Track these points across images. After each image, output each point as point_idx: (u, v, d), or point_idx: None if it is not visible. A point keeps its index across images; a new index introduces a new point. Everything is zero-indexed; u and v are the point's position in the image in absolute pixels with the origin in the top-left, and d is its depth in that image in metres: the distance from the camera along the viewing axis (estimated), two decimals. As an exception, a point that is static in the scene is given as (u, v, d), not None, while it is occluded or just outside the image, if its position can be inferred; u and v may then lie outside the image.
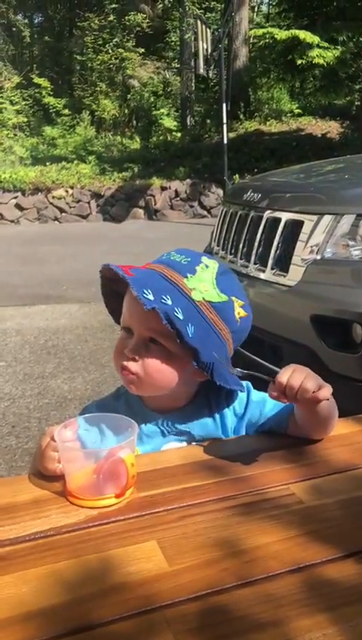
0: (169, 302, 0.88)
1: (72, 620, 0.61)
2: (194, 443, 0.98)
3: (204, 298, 0.92)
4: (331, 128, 13.20)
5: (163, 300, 0.88)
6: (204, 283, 0.92)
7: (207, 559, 0.69)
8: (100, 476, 0.81)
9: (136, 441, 0.87)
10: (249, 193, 2.88)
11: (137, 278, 0.89)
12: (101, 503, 0.81)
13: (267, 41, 11.65)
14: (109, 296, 1.01)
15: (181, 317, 0.88)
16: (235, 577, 0.66)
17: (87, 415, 0.93)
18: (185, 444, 0.99)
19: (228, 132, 10.20)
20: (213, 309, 0.92)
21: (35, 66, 19.46)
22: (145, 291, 0.87)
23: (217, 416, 0.99)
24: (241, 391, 0.97)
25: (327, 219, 2.34)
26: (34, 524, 0.76)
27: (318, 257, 2.34)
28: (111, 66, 16.01)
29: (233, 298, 0.95)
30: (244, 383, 1.01)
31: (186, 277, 0.92)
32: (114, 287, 0.97)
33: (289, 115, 14.28)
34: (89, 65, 16.57)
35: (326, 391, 0.87)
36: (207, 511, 0.79)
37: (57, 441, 0.83)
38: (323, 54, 10.95)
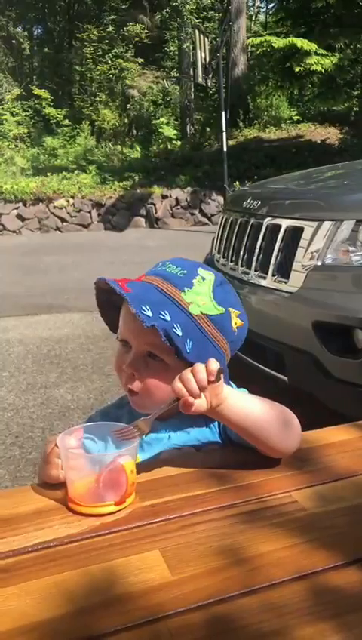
0: (167, 317, 0.88)
1: (75, 631, 0.61)
2: (192, 450, 0.99)
3: (201, 312, 0.92)
4: (330, 134, 13.25)
5: (161, 316, 0.88)
6: (201, 296, 0.92)
7: (209, 568, 0.69)
8: (100, 483, 0.81)
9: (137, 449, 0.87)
10: (249, 200, 2.89)
11: (134, 295, 0.89)
12: (101, 510, 0.81)
13: (265, 49, 11.73)
14: (105, 306, 1.01)
15: (180, 333, 0.88)
16: (238, 586, 0.65)
17: (90, 423, 0.93)
18: (183, 451, 0.99)
19: (227, 140, 10.25)
20: (211, 322, 0.93)
21: (35, 77, 19.64)
22: (143, 307, 0.87)
23: (215, 423, 1.00)
24: None
25: (327, 225, 2.34)
26: (36, 534, 0.77)
27: (319, 263, 2.34)
28: (111, 76, 16.13)
29: (230, 309, 0.95)
30: (241, 389, 1.02)
31: (183, 291, 0.92)
32: (110, 298, 0.97)
33: (288, 121, 14.35)
34: (88, 75, 16.71)
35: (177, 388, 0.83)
36: (209, 519, 0.79)
37: (60, 448, 0.84)
38: (321, 61, 11.02)
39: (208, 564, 0.70)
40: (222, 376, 0.84)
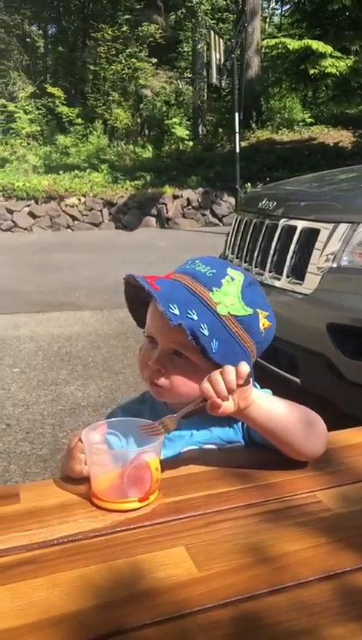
0: (195, 317, 0.88)
1: (103, 625, 0.61)
2: (214, 448, 0.99)
3: (229, 312, 0.91)
4: (343, 137, 13.21)
5: (189, 315, 0.88)
6: (229, 296, 0.92)
7: (236, 565, 0.69)
8: (125, 479, 0.81)
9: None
10: (264, 201, 2.89)
11: (163, 292, 0.88)
12: (124, 506, 0.81)
13: (279, 50, 11.70)
14: (133, 301, 1.01)
15: (206, 333, 0.88)
16: (266, 584, 0.65)
17: (114, 419, 0.93)
18: (205, 448, 0.99)
19: (240, 141, 10.24)
20: (239, 322, 0.92)
21: (48, 75, 19.72)
22: (171, 306, 0.87)
23: (238, 423, 0.99)
24: None
25: (343, 227, 2.33)
26: (61, 528, 0.77)
27: (334, 265, 2.33)
28: (124, 75, 16.17)
29: (258, 310, 0.95)
30: (264, 391, 1.01)
31: (212, 290, 0.92)
32: (138, 294, 0.97)
33: (301, 124, 14.32)
34: (102, 75, 16.76)
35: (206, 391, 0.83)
36: (233, 517, 0.79)
37: (84, 443, 0.84)
38: (335, 64, 10.97)
39: (234, 561, 0.69)
40: (251, 379, 0.84)
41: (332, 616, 0.60)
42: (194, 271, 0.95)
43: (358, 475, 0.88)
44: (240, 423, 0.99)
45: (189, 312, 0.88)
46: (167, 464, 0.91)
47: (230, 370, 0.83)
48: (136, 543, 0.74)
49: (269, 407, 0.89)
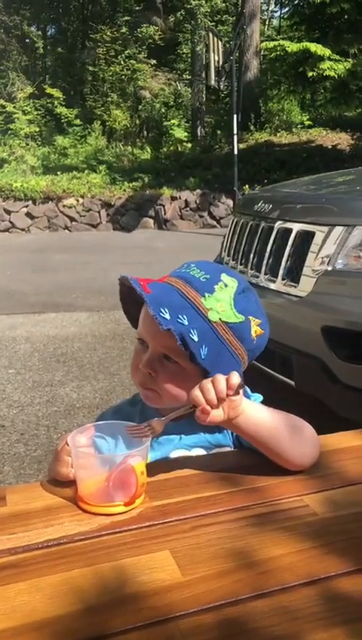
0: (185, 322, 0.88)
1: (86, 629, 0.61)
2: (203, 451, 0.98)
3: (220, 319, 0.91)
4: (341, 140, 13.22)
5: (179, 320, 0.87)
6: (221, 303, 0.92)
7: (220, 570, 0.69)
8: (110, 483, 0.81)
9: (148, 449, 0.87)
10: (260, 204, 2.89)
11: (154, 296, 0.88)
12: (110, 510, 0.81)
13: (278, 53, 11.73)
14: (128, 302, 1.01)
15: (196, 339, 0.87)
16: (250, 589, 0.65)
17: (102, 422, 0.93)
18: (194, 451, 0.99)
19: (238, 143, 10.24)
20: (230, 329, 0.92)
21: (47, 76, 19.71)
22: (161, 310, 0.87)
23: None
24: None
25: (339, 230, 2.34)
26: (47, 531, 0.76)
27: (329, 268, 2.33)
28: (123, 77, 16.17)
29: (250, 318, 0.94)
30: (255, 396, 1.01)
31: (204, 296, 0.91)
32: (132, 295, 0.97)
33: (299, 126, 14.33)
34: (101, 76, 16.75)
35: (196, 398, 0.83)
36: (220, 521, 0.78)
37: (70, 446, 0.84)
38: (334, 67, 11.00)
39: (219, 565, 0.69)
40: (241, 390, 0.84)
41: (315, 622, 0.60)
42: (188, 275, 0.95)
43: (345, 480, 0.88)
44: None
45: (180, 316, 0.88)
46: (155, 467, 0.91)
47: (221, 379, 0.83)
48: (121, 547, 0.73)
49: (258, 417, 0.88)
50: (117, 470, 0.81)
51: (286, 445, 0.88)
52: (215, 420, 0.84)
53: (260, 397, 1.02)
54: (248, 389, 1.00)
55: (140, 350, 0.97)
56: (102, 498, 0.81)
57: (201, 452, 0.99)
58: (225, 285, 0.93)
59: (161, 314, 0.86)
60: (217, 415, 0.84)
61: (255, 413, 0.88)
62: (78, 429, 0.87)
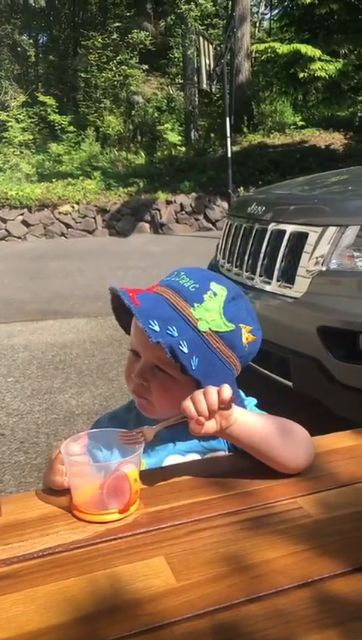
0: (175, 333, 0.88)
1: (81, 638, 0.61)
2: (197, 456, 0.99)
3: (210, 328, 0.91)
4: (334, 140, 13.26)
5: (169, 331, 0.88)
6: (210, 312, 0.92)
7: (215, 575, 0.69)
8: (104, 491, 0.81)
9: (142, 455, 0.87)
10: (253, 206, 2.90)
11: (143, 308, 0.88)
12: (105, 517, 0.81)
13: (269, 55, 11.78)
14: (120, 310, 1.01)
15: (186, 350, 0.87)
16: (243, 593, 0.65)
17: (95, 430, 0.93)
18: (188, 457, 0.99)
19: (232, 145, 10.28)
20: (220, 338, 0.92)
21: (40, 84, 19.74)
22: (151, 322, 0.87)
23: None
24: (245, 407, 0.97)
25: (332, 230, 2.34)
26: (42, 540, 0.77)
27: (324, 269, 2.34)
28: (116, 82, 16.21)
29: (241, 325, 0.94)
30: (249, 400, 1.02)
31: (193, 306, 0.91)
32: (124, 304, 0.97)
33: (292, 127, 14.37)
34: (93, 82, 16.79)
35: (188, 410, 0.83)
36: (214, 526, 0.79)
37: (63, 455, 0.84)
38: (325, 67, 11.04)
39: (213, 570, 0.69)
40: (234, 402, 0.84)
41: (308, 624, 0.60)
42: (177, 284, 0.94)
43: (339, 481, 0.88)
44: None
45: (170, 328, 0.88)
46: (148, 473, 0.91)
47: (212, 391, 0.83)
48: (116, 554, 0.74)
49: (250, 425, 0.88)
50: (110, 478, 0.81)
51: (279, 450, 0.88)
52: (208, 432, 0.85)
53: (254, 401, 1.02)
54: (242, 393, 1.00)
55: (133, 359, 0.97)
56: (96, 506, 0.82)
57: (196, 457, 0.99)
58: (215, 294, 0.93)
59: (151, 326, 0.86)
60: (210, 427, 0.84)
61: (247, 421, 0.88)
62: (72, 438, 0.87)
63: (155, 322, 0.87)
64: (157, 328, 0.87)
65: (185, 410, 0.83)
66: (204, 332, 0.91)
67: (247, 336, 0.95)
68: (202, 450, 0.99)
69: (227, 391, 0.82)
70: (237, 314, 0.94)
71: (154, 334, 0.86)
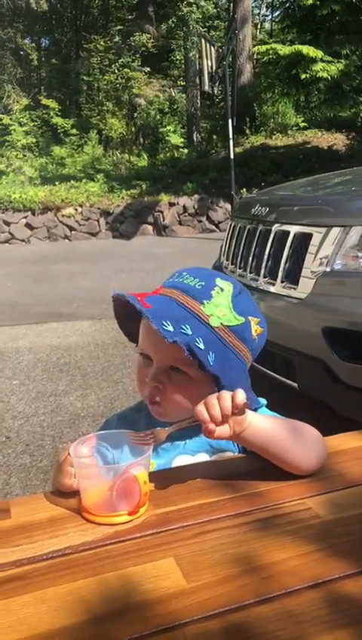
0: (189, 331, 0.88)
1: (91, 639, 0.61)
2: (206, 456, 0.99)
3: (222, 323, 0.92)
4: (337, 140, 13.26)
5: (183, 330, 0.88)
6: (220, 308, 0.92)
7: (224, 576, 0.69)
8: (114, 493, 0.81)
9: (151, 455, 0.87)
10: (257, 207, 2.90)
11: (154, 310, 0.88)
12: (114, 520, 0.81)
13: (271, 56, 11.78)
14: (122, 317, 1.01)
15: (202, 347, 0.88)
16: (254, 594, 0.65)
17: (104, 432, 0.93)
18: (198, 457, 0.99)
19: (234, 147, 10.28)
20: (232, 332, 0.93)
21: (42, 87, 19.81)
22: (164, 323, 0.87)
23: None
24: (256, 408, 0.97)
25: (336, 231, 2.34)
26: (51, 542, 0.77)
27: (328, 269, 2.34)
28: (118, 85, 16.26)
29: (250, 318, 0.95)
30: (259, 400, 1.02)
31: (203, 303, 0.92)
32: (127, 309, 0.96)
33: (294, 128, 14.37)
34: (96, 85, 16.84)
35: (203, 416, 0.83)
36: (223, 527, 0.78)
37: (72, 457, 0.84)
38: (327, 68, 11.04)
39: (223, 571, 0.69)
40: (246, 408, 0.84)
41: (319, 625, 0.60)
42: (182, 284, 0.95)
43: (348, 481, 0.88)
44: None
45: (183, 327, 0.88)
46: (158, 474, 0.91)
47: (226, 396, 0.83)
48: (126, 556, 0.74)
49: (263, 428, 0.88)
50: (120, 480, 0.81)
51: (292, 452, 0.88)
52: (222, 437, 0.85)
53: (264, 401, 1.02)
54: (253, 394, 1.00)
55: (144, 364, 0.97)
56: (106, 508, 0.82)
57: (205, 457, 0.99)
58: (221, 289, 0.94)
59: (164, 327, 0.87)
60: (223, 431, 0.84)
61: (260, 425, 0.88)
62: (80, 439, 0.87)
63: (168, 322, 0.87)
64: (170, 328, 0.87)
65: (198, 415, 0.83)
66: (216, 327, 0.92)
67: (256, 329, 0.96)
68: (211, 450, 0.99)
69: (241, 396, 0.82)
70: (246, 307, 0.96)
71: (170, 334, 0.86)
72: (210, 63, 10.71)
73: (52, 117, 15.41)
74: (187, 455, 0.98)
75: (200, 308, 0.92)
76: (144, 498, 0.81)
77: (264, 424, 0.89)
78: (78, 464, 0.84)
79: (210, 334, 0.91)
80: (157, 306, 0.90)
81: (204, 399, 0.84)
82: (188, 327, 0.89)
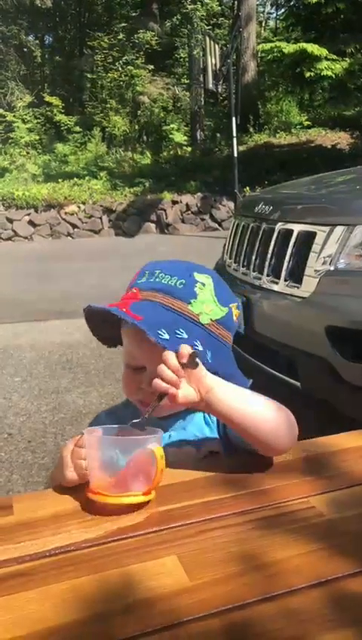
0: (185, 335, 0.88)
1: (94, 637, 0.61)
2: (192, 448, 0.98)
3: (211, 319, 0.93)
4: (341, 139, 13.23)
5: (178, 336, 0.88)
6: (206, 304, 0.93)
7: (227, 574, 0.69)
8: (129, 469, 0.81)
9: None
10: (261, 205, 2.89)
11: (146, 321, 0.87)
12: (127, 500, 0.80)
13: (275, 54, 11.79)
14: (95, 322, 1.00)
15: (200, 348, 0.89)
16: (257, 592, 0.65)
17: (107, 426, 0.92)
18: (184, 448, 0.99)
19: (238, 145, 10.26)
20: (220, 325, 0.94)
21: (46, 85, 19.79)
22: (160, 333, 0.86)
23: (213, 419, 1.00)
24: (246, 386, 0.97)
25: (340, 229, 2.33)
26: (54, 539, 0.77)
27: (331, 268, 2.33)
28: (121, 83, 16.24)
29: (231, 306, 0.97)
30: (245, 380, 1.01)
31: (190, 303, 0.92)
32: (101, 315, 0.95)
33: (298, 127, 14.34)
34: (99, 83, 16.82)
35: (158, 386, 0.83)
36: (226, 525, 0.78)
37: (87, 438, 0.83)
38: (331, 66, 11.03)
39: (226, 569, 0.69)
40: (198, 360, 0.84)
41: (322, 624, 0.60)
42: (163, 285, 0.93)
43: (351, 480, 0.88)
44: (215, 420, 0.99)
45: (178, 332, 0.88)
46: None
47: (170, 355, 0.83)
48: (128, 553, 0.74)
49: (234, 395, 0.87)
50: (136, 455, 0.81)
51: (263, 426, 0.87)
52: (189, 398, 0.84)
53: (249, 381, 1.01)
54: (240, 374, 0.99)
55: (132, 374, 0.96)
56: (118, 486, 0.81)
57: (190, 449, 0.98)
58: (203, 284, 0.94)
59: (161, 336, 0.86)
60: (188, 393, 0.84)
61: (229, 390, 0.87)
62: (87, 430, 0.86)
63: (163, 331, 0.87)
64: (166, 336, 0.86)
65: (156, 388, 0.83)
66: (207, 324, 0.93)
67: (236, 313, 0.98)
68: (196, 440, 0.98)
69: (184, 349, 0.83)
70: (226, 296, 0.97)
71: (168, 343, 0.85)
72: (214, 61, 10.69)
73: (55, 114, 15.39)
74: (173, 448, 0.97)
75: (189, 308, 0.92)
76: (160, 475, 0.81)
77: (233, 391, 0.88)
78: (91, 441, 0.83)
79: (203, 333, 0.91)
80: (147, 315, 0.88)
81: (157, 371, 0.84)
82: (182, 331, 0.89)
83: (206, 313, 0.92)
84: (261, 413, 0.88)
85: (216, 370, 0.89)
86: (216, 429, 0.99)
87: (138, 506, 0.82)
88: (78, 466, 0.85)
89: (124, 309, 0.89)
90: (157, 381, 0.83)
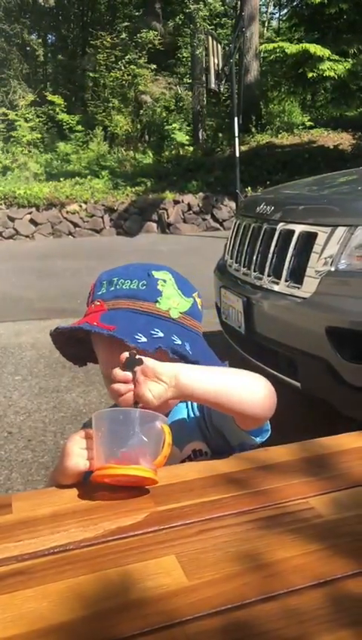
0: (160, 334, 0.89)
1: (92, 635, 0.61)
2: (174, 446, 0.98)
3: (180, 312, 0.95)
4: (343, 140, 13.22)
5: (154, 335, 0.88)
6: (172, 298, 0.95)
7: (226, 574, 0.68)
8: (136, 445, 0.81)
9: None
10: (262, 206, 2.89)
11: (121, 330, 0.88)
12: (135, 472, 0.81)
13: (278, 55, 11.77)
14: (61, 342, 1.02)
15: (179, 342, 0.90)
16: (256, 592, 0.65)
17: (114, 409, 0.91)
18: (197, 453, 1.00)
19: (240, 145, 10.25)
20: (188, 315, 0.96)
21: (48, 83, 19.81)
22: (136, 337, 0.87)
23: (194, 404, 1.02)
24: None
25: (341, 230, 2.33)
26: (53, 538, 0.77)
27: (332, 269, 2.33)
28: (124, 82, 16.23)
29: (193, 295, 0.99)
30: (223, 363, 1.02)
31: (157, 301, 0.93)
32: (72, 335, 0.97)
33: (300, 127, 14.34)
34: (102, 82, 16.83)
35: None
36: (225, 525, 0.78)
37: (96, 418, 0.84)
38: (333, 67, 11.01)
39: (225, 569, 0.69)
40: (139, 357, 0.83)
41: (321, 624, 0.60)
42: (126, 291, 0.94)
43: (351, 481, 0.87)
44: (197, 409, 1.01)
45: (153, 332, 0.89)
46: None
47: (113, 371, 0.84)
48: (127, 552, 0.74)
49: (197, 371, 0.87)
50: (144, 431, 0.82)
51: (237, 394, 0.86)
52: (160, 394, 0.83)
53: (225, 363, 1.01)
54: (216, 358, 0.99)
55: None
56: (128, 459, 0.81)
57: (173, 449, 0.98)
58: (164, 281, 0.96)
59: (138, 340, 0.87)
60: (157, 390, 0.83)
61: (191, 370, 0.86)
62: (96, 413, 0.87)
63: (140, 335, 0.87)
64: (144, 339, 0.87)
65: (124, 404, 0.84)
66: (177, 318, 0.94)
67: (199, 302, 1.00)
68: (175, 441, 0.98)
69: (122, 356, 0.84)
70: (187, 287, 0.99)
71: (147, 345, 0.87)
72: (216, 61, 10.69)
73: (57, 113, 15.39)
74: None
75: (157, 307, 0.93)
76: (168, 449, 0.82)
77: (196, 368, 0.87)
78: (102, 416, 0.84)
79: (177, 327, 0.93)
80: (120, 323, 0.89)
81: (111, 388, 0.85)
82: (157, 330, 0.89)
83: (174, 307, 0.94)
84: (232, 381, 0.88)
85: (197, 360, 0.90)
86: (198, 411, 1.00)
87: (144, 481, 0.83)
88: (78, 454, 0.85)
89: (95, 323, 0.90)
90: (122, 400, 0.84)
